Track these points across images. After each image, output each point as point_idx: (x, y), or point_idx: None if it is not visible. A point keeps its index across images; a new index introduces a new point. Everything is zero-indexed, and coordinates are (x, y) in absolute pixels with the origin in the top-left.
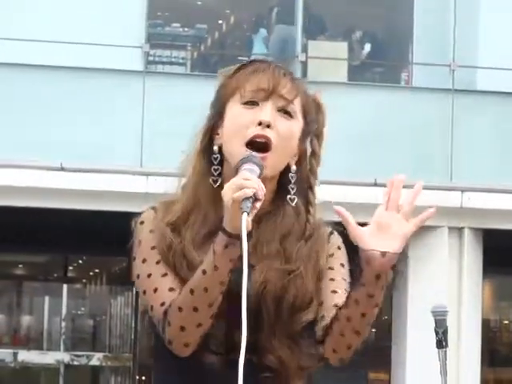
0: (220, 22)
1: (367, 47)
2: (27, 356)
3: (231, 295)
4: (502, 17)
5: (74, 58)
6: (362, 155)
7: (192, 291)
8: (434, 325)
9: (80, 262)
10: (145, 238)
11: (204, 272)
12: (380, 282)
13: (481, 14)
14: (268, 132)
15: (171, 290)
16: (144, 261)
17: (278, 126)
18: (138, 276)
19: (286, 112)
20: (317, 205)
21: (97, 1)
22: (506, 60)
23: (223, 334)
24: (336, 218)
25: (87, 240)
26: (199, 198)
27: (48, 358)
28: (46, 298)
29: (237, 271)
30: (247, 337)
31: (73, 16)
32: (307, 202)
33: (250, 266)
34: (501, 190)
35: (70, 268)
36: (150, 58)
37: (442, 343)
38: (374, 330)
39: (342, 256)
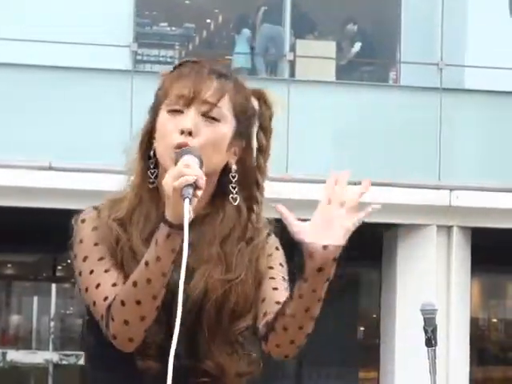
0: (208, 21)
1: (356, 46)
2: (16, 356)
3: (171, 300)
4: (490, 16)
5: (62, 58)
6: (350, 154)
7: (135, 283)
8: (423, 323)
9: (69, 261)
10: (87, 236)
11: (147, 263)
12: (322, 275)
13: (468, 13)
14: (190, 140)
15: (114, 285)
16: (85, 258)
17: (201, 132)
18: (80, 273)
19: (210, 117)
20: (263, 203)
21: (85, 0)
22: (494, 59)
23: (161, 339)
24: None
25: None
26: (141, 197)
27: (37, 357)
28: (35, 298)
29: (178, 274)
30: (185, 342)
31: (61, 15)
32: (252, 200)
33: (191, 269)
34: (489, 188)
35: (59, 268)
36: (138, 57)
37: (431, 342)
38: (362, 329)
39: (280, 256)
